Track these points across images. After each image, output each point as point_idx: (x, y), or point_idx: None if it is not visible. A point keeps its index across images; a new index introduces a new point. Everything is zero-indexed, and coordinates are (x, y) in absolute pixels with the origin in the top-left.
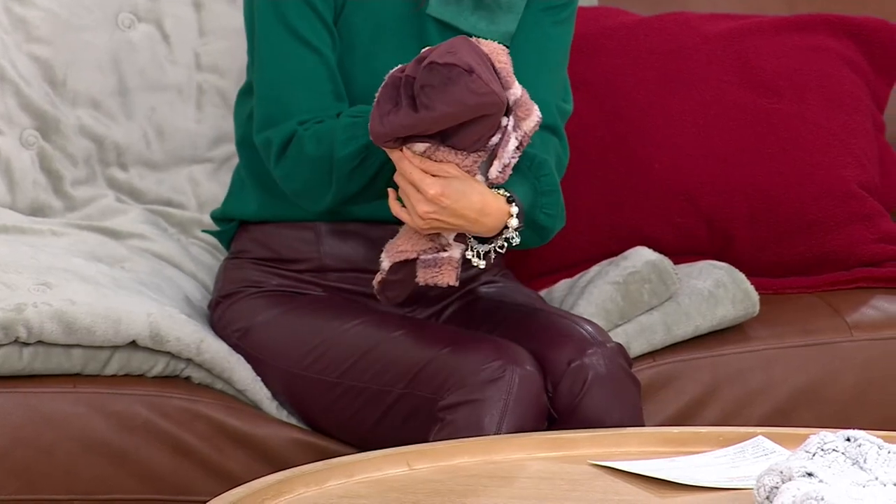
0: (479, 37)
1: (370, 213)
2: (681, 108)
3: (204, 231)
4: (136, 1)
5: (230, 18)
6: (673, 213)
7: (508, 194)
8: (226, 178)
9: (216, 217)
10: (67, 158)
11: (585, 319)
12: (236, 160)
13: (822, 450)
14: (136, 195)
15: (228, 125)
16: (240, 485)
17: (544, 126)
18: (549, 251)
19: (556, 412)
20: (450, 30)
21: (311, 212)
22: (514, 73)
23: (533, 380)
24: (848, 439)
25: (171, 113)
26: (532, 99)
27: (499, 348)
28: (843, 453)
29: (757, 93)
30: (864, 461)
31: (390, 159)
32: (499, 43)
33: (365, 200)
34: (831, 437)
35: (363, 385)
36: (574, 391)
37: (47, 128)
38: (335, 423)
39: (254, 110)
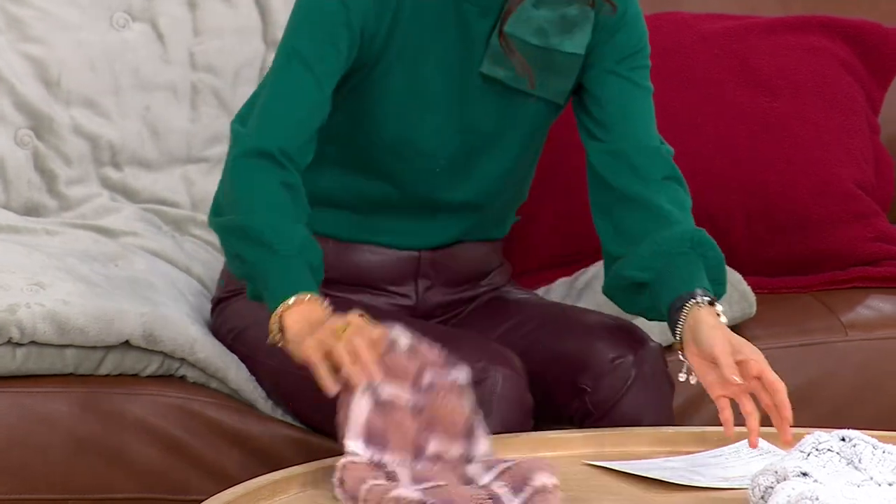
0: (529, 94)
1: (386, 240)
2: (678, 107)
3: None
4: (130, 0)
5: (225, 18)
6: None
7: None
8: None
9: None
10: (61, 158)
11: (621, 318)
12: None
13: (818, 450)
14: (130, 194)
15: (223, 125)
16: (235, 483)
17: (670, 177)
18: (546, 246)
19: (592, 407)
20: (496, 85)
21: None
22: (615, 130)
23: (517, 380)
24: (843, 439)
25: (165, 112)
26: (638, 147)
27: (482, 349)
28: (837, 453)
29: (754, 91)
30: (859, 461)
31: (262, 267)
32: (550, 99)
33: None
34: (826, 437)
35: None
36: (616, 388)
37: (41, 127)
38: (329, 421)
39: (248, 102)
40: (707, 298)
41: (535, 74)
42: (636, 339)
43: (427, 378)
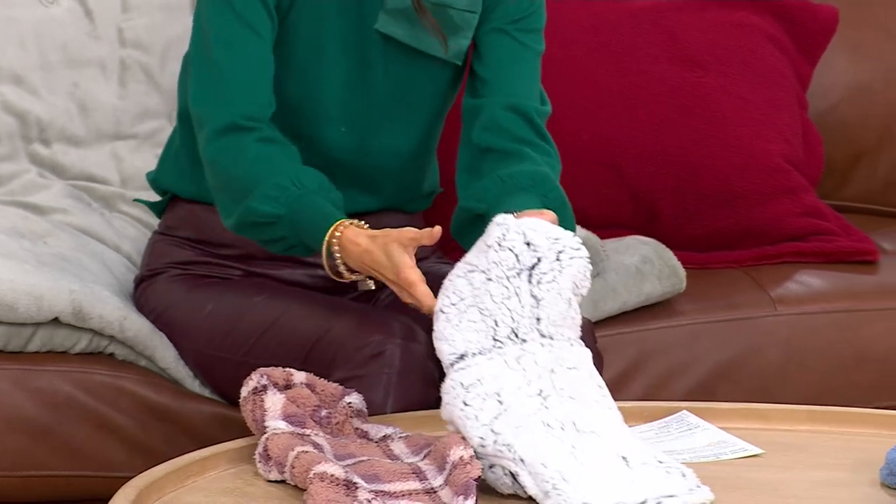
0: (430, 56)
1: None
2: (609, 81)
3: (136, 200)
4: None
5: None
6: (600, 183)
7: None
8: (149, 155)
9: (150, 179)
10: None
11: None
12: (161, 136)
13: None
14: (58, 171)
15: (152, 101)
16: (164, 460)
17: (537, 137)
18: None
19: None
20: (394, 45)
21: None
22: (493, 86)
23: (416, 352)
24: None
25: (94, 89)
26: (512, 106)
27: (381, 322)
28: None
29: (683, 66)
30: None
31: (289, 237)
32: (450, 60)
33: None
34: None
35: (265, 363)
36: None
37: None
38: None
39: (192, 82)
40: None
41: (435, 34)
42: None
43: (323, 412)
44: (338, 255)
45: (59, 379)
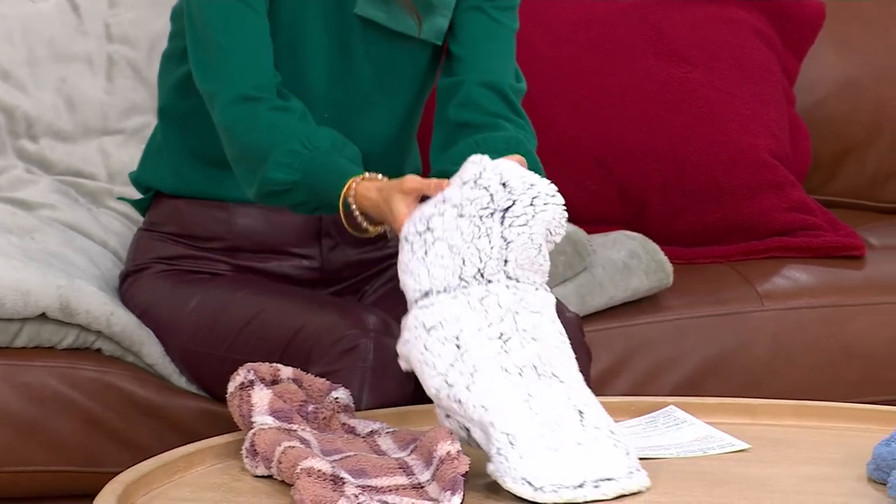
0: (410, 37)
1: None
2: (597, 77)
3: (120, 199)
4: None
5: None
6: (588, 179)
7: None
8: (136, 150)
9: (133, 179)
10: None
11: None
12: (147, 132)
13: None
14: (46, 166)
15: (139, 96)
16: (151, 456)
17: (512, 114)
18: None
19: None
20: (373, 28)
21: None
22: (468, 63)
23: (390, 346)
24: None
25: (81, 84)
26: (487, 83)
27: (354, 316)
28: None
29: (670, 62)
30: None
31: (310, 200)
32: (429, 40)
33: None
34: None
35: (246, 359)
36: None
37: None
38: None
39: (193, 67)
40: None
41: (409, 13)
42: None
43: (310, 407)
44: (356, 211)
45: (45, 374)
